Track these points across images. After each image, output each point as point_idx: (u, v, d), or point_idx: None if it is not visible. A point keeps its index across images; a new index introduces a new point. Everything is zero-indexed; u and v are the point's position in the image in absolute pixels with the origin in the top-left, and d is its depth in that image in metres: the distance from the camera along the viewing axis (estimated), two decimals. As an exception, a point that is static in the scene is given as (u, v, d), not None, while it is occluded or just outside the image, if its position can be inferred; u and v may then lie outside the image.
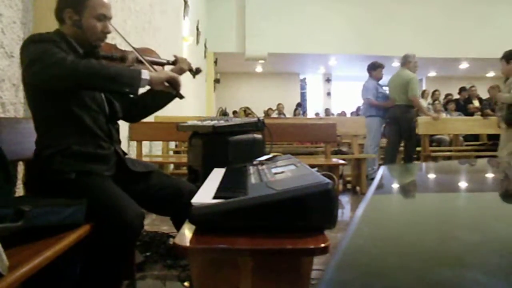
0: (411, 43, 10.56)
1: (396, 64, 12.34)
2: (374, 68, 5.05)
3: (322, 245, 0.78)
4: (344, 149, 6.11)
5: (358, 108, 10.93)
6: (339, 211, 3.18)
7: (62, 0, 1.52)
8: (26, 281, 0.95)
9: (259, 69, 13.98)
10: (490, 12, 10.83)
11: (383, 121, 4.88)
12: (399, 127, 4.56)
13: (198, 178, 1.65)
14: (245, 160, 1.39)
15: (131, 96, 1.73)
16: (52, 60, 1.31)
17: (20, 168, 1.74)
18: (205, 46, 9.69)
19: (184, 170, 4.08)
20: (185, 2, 6.36)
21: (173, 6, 5.38)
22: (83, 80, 1.35)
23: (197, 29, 8.05)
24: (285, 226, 0.84)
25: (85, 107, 1.49)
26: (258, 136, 1.71)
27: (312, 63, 13.34)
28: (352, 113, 13.20)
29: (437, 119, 4.68)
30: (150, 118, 4.15)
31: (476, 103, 6.37)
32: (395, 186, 0.92)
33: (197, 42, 8.11)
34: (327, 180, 0.86)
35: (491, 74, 13.54)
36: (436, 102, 6.72)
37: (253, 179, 1.05)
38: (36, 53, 1.34)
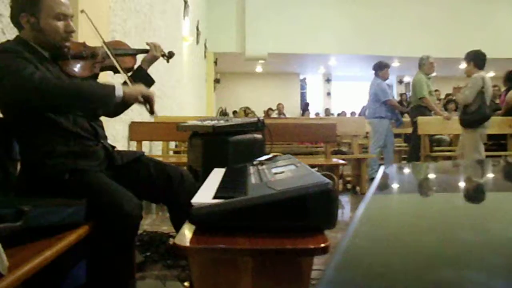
0: (411, 43, 10.58)
1: (396, 64, 12.37)
2: (381, 68, 5.04)
3: (322, 245, 0.78)
4: (344, 149, 6.11)
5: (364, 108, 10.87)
6: (339, 211, 3.18)
7: (15, 4, 1.45)
8: (26, 281, 0.95)
9: (259, 69, 13.99)
10: (490, 12, 10.84)
11: (391, 123, 4.87)
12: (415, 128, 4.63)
13: (198, 178, 1.65)
14: (245, 160, 1.39)
15: None
16: (19, 81, 1.27)
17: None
18: (205, 46, 9.69)
19: (184, 170, 4.07)
20: (185, 2, 6.36)
21: (173, 6, 5.39)
22: (56, 102, 1.34)
23: (197, 29, 8.05)
24: (285, 226, 0.84)
25: (62, 113, 1.45)
26: (258, 136, 1.71)
27: (312, 63, 13.35)
28: (352, 114, 13.20)
29: (449, 118, 4.69)
30: (150, 118, 4.15)
31: (476, 103, 6.36)
32: (395, 186, 0.92)
33: (197, 42, 8.11)
34: (327, 180, 0.86)
35: (491, 74, 13.54)
36: (437, 102, 6.71)
37: (253, 179, 1.05)
38: (0, 69, 1.30)
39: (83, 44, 1.65)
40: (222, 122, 1.68)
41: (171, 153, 4.97)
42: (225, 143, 1.60)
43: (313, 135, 4.13)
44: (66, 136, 1.45)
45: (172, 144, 5.17)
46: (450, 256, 0.38)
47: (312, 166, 1.32)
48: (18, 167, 1.72)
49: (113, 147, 1.64)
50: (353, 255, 0.39)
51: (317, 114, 13.77)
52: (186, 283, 1.83)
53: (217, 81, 11.83)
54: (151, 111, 1.55)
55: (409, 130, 5.30)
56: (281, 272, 0.84)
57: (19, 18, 1.43)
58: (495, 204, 0.68)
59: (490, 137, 5.86)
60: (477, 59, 3.88)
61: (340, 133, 4.82)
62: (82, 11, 1.69)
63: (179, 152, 5.11)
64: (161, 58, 1.85)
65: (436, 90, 7.33)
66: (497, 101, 6.15)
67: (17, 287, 0.93)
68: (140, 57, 1.83)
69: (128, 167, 1.60)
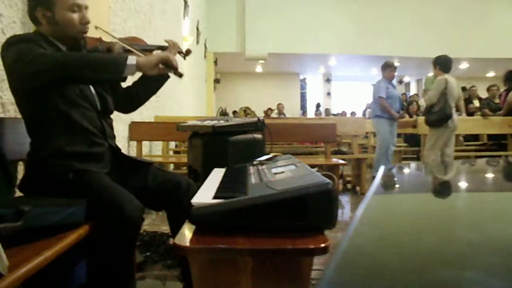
0: (411, 43, 10.59)
1: (397, 64, 12.35)
2: (384, 68, 5.06)
3: (322, 245, 0.78)
4: (344, 149, 6.12)
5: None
6: (339, 211, 3.18)
7: (31, 0, 1.47)
8: (26, 281, 0.95)
9: (259, 69, 13.99)
10: (490, 12, 10.84)
11: (391, 122, 4.86)
12: None
13: (198, 178, 1.65)
14: (245, 160, 1.39)
15: (123, 86, 1.72)
16: (30, 57, 1.28)
17: (20, 168, 1.74)
18: (205, 46, 9.69)
19: (184, 170, 4.08)
20: (185, 2, 6.36)
21: (173, 6, 5.38)
22: (66, 71, 1.31)
23: (197, 29, 8.04)
24: (285, 226, 0.84)
25: (73, 105, 1.45)
26: (258, 136, 1.71)
27: (312, 63, 13.35)
28: (352, 114, 13.21)
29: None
30: (150, 118, 4.15)
31: (476, 103, 6.37)
32: (395, 186, 0.92)
33: (197, 42, 8.11)
34: (327, 180, 0.86)
35: (491, 74, 13.54)
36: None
37: (253, 179, 1.05)
38: (13, 55, 1.31)
39: (99, 39, 1.65)
40: (222, 122, 1.68)
41: (171, 153, 4.97)
42: (225, 143, 1.60)
43: (313, 135, 4.13)
44: (73, 132, 1.45)
45: (172, 144, 5.17)
46: (450, 256, 0.38)
47: (312, 166, 1.32)
48: (18, 167, 1.72)
49: (119, 148, 1.64)
50: (353, 255, 0.39)
51: (318, 107, 13.83)
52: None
53: (217, 81, 11.83)
54: (177, 73, 1.51)
55: (409, 130, 5.31)
56: (281, 272, 0.84)
57: (35, 14, 1.45)
58: (495, 204, 0.68)
59: (490, 137, 5.88)
60: (442, 64, 4.22)
61: (340, 133, 4.82)
62: (96, 27, 1.69)
63: (179, 152, 5.11)
64: (195, 76, 1.87)
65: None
66: (497, 101, 6.15)
67: (17, 287, 0.93)
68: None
69: (134, 173, 1.60)
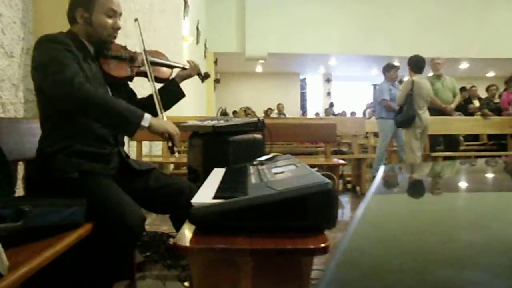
0: (411, 43, 10.57)
1: (397, 64, 12.35)
2: (388, 70, 5.10)
3: (322, 245, 0.78)
4: (344, 149, 6.12)
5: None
6: (339, 211, 3.18)
7: (73, 1, 1.55)
8: (26, 281, 0.95)
9: (259, 69, 13.99)
10: (490, 12, 10.84)
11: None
12: None
13: (198, 178, 1.65)
14: (245, 160, 1.39)
15: (136, 98, 1.78)
16: (64, 76, 1.34)
17: (20, 168, 1.74)
18: (205, 46, 9.69)
19: (184, 170, 4.08)
20: (185, 2, 6.36)
21: (173, 6, 5.38)
22: (87, 109, 1.38)
23: (197, 29, 8.05)
24: (285, 226, 0.84)
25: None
26: (258, 136, 1.70)
27: (312, 63, 13.35)
28: (352, 114, 13.22)
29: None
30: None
31: (476, 103, 6.37)
32: (395, 186, 0.92)
33: (197, 42, 8.11)
34: (327, 180, 0.86)
35: (491, 74, 13.54)
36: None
37: (253, 179, 1.05)
38: (49, 59, 1.37)
39: (124, 47, 1.71)
40: (222, 122, 1.68)
41: (171, 153, 4.96)
42: (225, 143, 1.60)
43: (313, 135, 4.13)
44: (87, 135, 1.48)
45: (172, 144, 5.16)
46: (450, 256, 0.38)
47: (312, 166, 1.32)
48: (18, 167, 1.72)
49: (127, 155, 1.66)
50: (353, 255, 0.38)
51: (317, 114, 13.81)
52: (186, 283, 1.83)
53: (217, 81, 11.83)
54: (172, 151, 1.57)
55: None
56: (281, 272, 0.84)
57: (75, 13, 1.53)
58: (495, 204, 0.68)
59: (490, 137, 5.88)
60: (413, 65, 4.33)
61: (340, 133, 4.82)
62: (136, 19, 1.77)
63: (179, 152, 5.10)
64: (196, 76, 1.92)
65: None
66: (496, 100, 6.16)
67: (17, 287, 0.93)
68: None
69: (137, 176, 1.62)
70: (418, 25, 10.63)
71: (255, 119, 1.75)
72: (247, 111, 9.02)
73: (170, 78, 1.84)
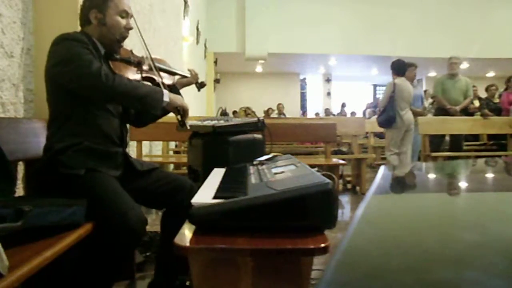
0: (411, 43, 10.59)
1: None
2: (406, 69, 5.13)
3: (322, 245, 0.78)
4: (344, 149, 6.12)
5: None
6: (339, 211, 3.18)
7: (87, 3, 1.59)
8: (26, 281, 0.95)
9: (259, 69, 13.99)
10: (490, 13, 10.84)
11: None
12: None
13: (198, 178, 1.65)
14: (245, 160, 1.39)
15: None
16: (88, 68, 1.39)
17: (20, 168, 1.74)
18: (205, 46, 9.69)
19: (184, 170, 4.08)
20: (185, 2, 6.36)
21: (173, 6, 5.38)
22: (115, 97, 1.44)
23: (197, 29, 8.04)
24: (285, 226, 0.84)
25: (102, 108, 1.55)
26: (258, 136, 1.70)
27: (312, 63, 13.35)
28: (352, 114, 13.22)
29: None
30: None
31: (476, 103, 6.37)
32: (395, 186, 0.92)
33: (197, 42, 8.11)
34: (327, 180, 0.86)
35: (491, 74, 13.54)
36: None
37: (253, 179, 1.05)
38: (70, 54, 1.42)
39: (131, 51, 1.75)
40: (222, 122, 1.68)
41: (171, 153, 4.97)
42: (225, 143, 1.60)
43: (313, 135, 4.13)
44: (96, 133, 1.52)
45: (172, 144, 5.17)
46: (450, 256, 0.38)
47: (312, 166, 1.32)
48: (18, 167, 1.72)
49: (130, 156, 1.69)
50: (353, 255, 0.39)
51: (317, 114, 13.81)
52: (186, 283, 1.83)
53: (217, 81, 11.83)
54: (183, 124, 1.64)
55: None
56: (281, 272, 0.84)
57: (89, 15, 1.57)
58: (495, 204, 0.68)
59: (490, 137, 5.87)
60: (395, 68, 4.60)
61: (340, 133, 4.82)
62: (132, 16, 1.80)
63: (179, 152, 5.11)
64: (193, 85, 1.97)
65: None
66: (496, 100, 6.15)
67: (17, 287, 0.93)
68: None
69: (142, 177, 1.64)
70: (418, 25, 10.63)
71: (255, 119, 1.75)
72: (247, 111, 9.03)
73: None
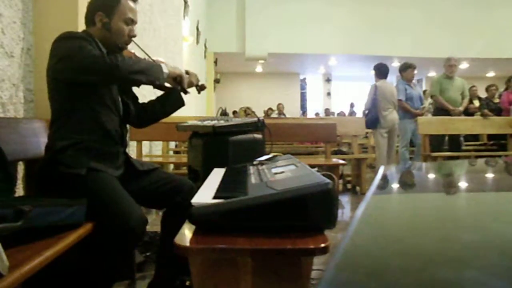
0: (411, 43, 10.59)
1: (397, 64, 12.35)
2: (404, 69, 5.12)
3: (322, 245, 0.78)
4: (344, 149, 6.12)
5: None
6: (339, 211, 3.18)
7: (94, 3, 1.60)
8: (26, 281, 0.95)
9: (259, 69, 13.99)
10: (491, 12, 10.84)
11: (413, 122, 4.91)
12: None
13: (198, 178, 1.65)
14: (245, 160, 1.39)
15: (141, 102, 1.81)
16: (91, 56, 1.39)
17: (20, 168, 1.74)
18: (205, 46, 9.69)
19: (184, 170, 4.08)
20: (185, 2, 6.35)
21: (173, 6, 5.38)
22: (123, 75, 1.43)
23: (197, 29, 8.04)
24: (285, 226, 0.84)
25: (104, 106, 1.55)
26: (258, 136, 1.70)
27: (312, 63, 13.35)
28: (352, 114, 13.21)
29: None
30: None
31: (476, 103, 6.36)
32: (395, 186, 0.92)
33: (197, 42, 8.11)
34: (327, 180, 0.86)
35: (491, 74, 13.53)
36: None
37: (253, 179, 1.05)
38: (73, 48, 1.42)
39: (134, 54, 1.76)
40: (222, 122, 1.68)
41: (171, 153, 4.96)
42: (225, 143, 1.60)
43: (313, 135, 4.13)
44: (97, 132, 1.52)
45: (172, 144, 5.17)
46: (450, 256, 0.38)
47: (312, 166, 1.32)
48: (18, 167, 1.72)
49: (130, 156, 1.69)
50: (353, 255, 0.39)
51: (317, 114, 13.81)
52: (187, 283, 1.83)
53: (217, 81, 11.82)
54: (184, 90, 1.70)
55: None
56: (281, 272, 0.84)
57: (94, 16, 1.57)
58: (495, 204, 0.68)
59: (490, 137, 5.87)
60: (378, 71, 4.90)
61: (340, 133, 4.82)
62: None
63: (179, 152, 5.11)
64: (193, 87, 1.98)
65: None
66: (496, 100, 6.15)
67: (17, 287, 0.93)
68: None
69: (142, 177, 1.65)
70: (418, 25, 10.63)
71: (255, 119, 1.75)
72: (247, 111, 9.03)
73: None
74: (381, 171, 0.93)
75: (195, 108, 7.72)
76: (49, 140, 1.53)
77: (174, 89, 1.79)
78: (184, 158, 3.65)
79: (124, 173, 1.59)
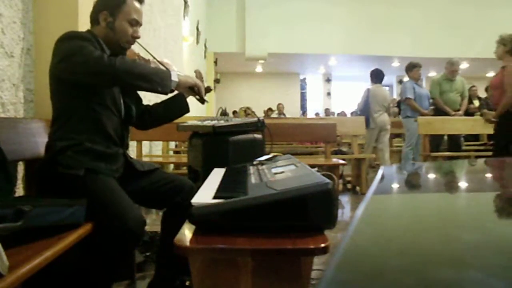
0: (411, 44, 10.58)
1: (396, 64, 12.37)
2: (410, 69, 5.12)
3: (322, 245, 0.78)
4: (344, 149, 6.11)
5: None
6: (339, 211, 3.18)
7: (100, 2, 1.59)
8: (26, 281, 0.95)
9: (259, 69, 13.99)
10: (491, 12, 10.83)
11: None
12: None
13: (198, 178, 1.65)
14: (245, 160, 1.39)
15: (145, 104, 1.82)
16: (91, 56, 1.38)
17: (20, 168, 1.74)
18: (205, 46, 9.69)
19: (184, 170, 4.08)
20: (185, 2, 6.35)
21: (173, 6, 5.38)
22: (119, 77, 1.42)
23: (197, 29, 8.04)
24: (285, 226, 0.84)
25: (105, 108, 1.54)
26: (258, 136, 1.70)
27: (312, 63, 13.35)
28: (353, 114, 13.20)
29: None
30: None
31: (476, 103, 6.36)
32: (395, 186, 0.92)
33: (197, 42, 8.11)
34: (327, 180, 0.86)
35: (491, 74, 13.52)
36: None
37: (253, 179, 1.05)
38: (74, 48, 1.41)
39: (138, 54, 1.76)
40: (222, 122, 1.68)
41: (171, 153, 4.96)
42: (225, 143, 1.60)
43: (313, 135, 4.13)
44: (97, 133, 1.52)
45: (172, 144, 5.17)
46: (450, 256, 0.38)
47: (312, 166, 1.32)
48: (18, 167, 1.72)
49: (131, 157, 1.69)
50: (353, 255, 0.39)
51: (317, 114, 13.80)
52: (186, 283, 1.83)
53: (217, 81, 11.82)
54: (202, 100, 1.68)
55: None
56: (281, 272, 0.84)
57: (98, 15, 1.57)
58: (495, 204, 0.68)
59: (490, 137, 5.86)
60: (374, 76, 5.29)
61: (340, 133, 4.82)
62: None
63: (179, 152, 5.10)
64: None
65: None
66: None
67: (17, 287, 0.93)
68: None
69: (142, 178, 1.64)
70: (418, 25, 10.62)
71: (255, 119, 1.75)
72: (247, 111, 9.03)
73: None
74: (381, 171, 0.93)
75: (195, 108, 7.72)
76: (49, 140, 1.53)
77: (180, 94, 1.78)
78: (184, 158, 3.65)
79: (125, 174, 1.59)
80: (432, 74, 13.86)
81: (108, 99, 1.55)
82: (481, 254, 0.38)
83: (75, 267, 1.40)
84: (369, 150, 5.20)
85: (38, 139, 1.70)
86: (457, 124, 4.88)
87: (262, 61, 11.67)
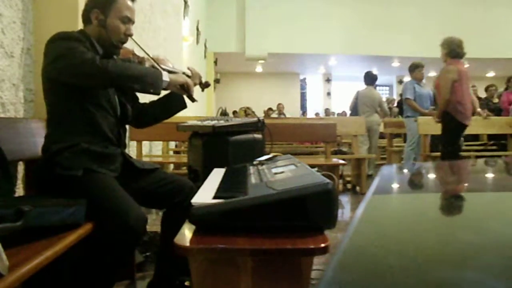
0: (410, 43, 10.58)
1: (396, 64, 12.37)
2: (413, 70, 5.13)
3: (322, 245, 0.78)
4: (344, 149, 6.11)
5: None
6: (339, 211, 3.18)
7: (91, 1, 1.58)
8: (26, 281, 0.95)
9: (259, 69, 13.98)
10: (490, 12, 10.83)
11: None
12: None
13: (198, 178, 1.65)
14: (245, 160, 1.39)
15: (141, 102, 1.80)
16: (82, 58, 1.37)
17: (20, 168, 1.74)
18: (205, 46, 9.68)
19: (184, 170, 4.08)
20: (185, 2, 6.35)
21: (173, 6, 5.38)
22: (111, 80, 1.41)
23: (197, 29, 8.04)
24: (285, 226, 0.84)
25: (99, 108, 1.53)
26: (258, 136, 1.70)
27: (312, 63, 13.34)
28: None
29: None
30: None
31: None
32: (395, 186, 0.92)
33: (197, 42, 8.11)
34: (327, 180, 0.86)
35: (491, 74, 13.53)
36: None
37: (253, 179, 1.05)
38: (64, 49, 1.40)
39: (132, 52, 1.75)
40: (222, 122, 1.68)
41: (171, 153, 4.96)
42: (225, 143, 1.60)
43: (313, 135, 4.13)
44: (93, 133, 1.51)
45: (172, 144, 5.17)
46: (450, 256, 0.38)
47: (312, 166, 1.32)
48: (18, 167, 1.72)
49: (130, 156, 1.69)
50: (353, 255, 0.39)
51: (317, 114, 13.79)
52: (186, 283, 1.83)
53: (217, 81, 11.82)
54: (191, 98, 1.68)
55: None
56: (281, 272, 0.84)
57: (90, 13, 1.56)
58: (495, 204, 0.68)
59: (490, 137, 5.87)
60: (366, 77, 5.64)
61: (340, 133, 4.82)
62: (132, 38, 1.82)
63: (179, 152, 5.10)
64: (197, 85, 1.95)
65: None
66: (496, 100, 6.15)
67: (17, 287, 0.93)
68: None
69: (142, 177, 1.64)
70: (418, 25, 10.62)
71: (255, 119, 1.75)
72: (247, 111, 9.03)
73: None
74: (381, 171, 0.93)
75: (195, 108, 7.72)
76: (45, 141, 1.53)
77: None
78: (184, 158, 3.65)
79: (124, 173, 1.58)
80: (432, 74, 13.85)
81: (103, 99, 1.54)
82: (481, 254, 0.38)
83: (75, 267, 1.40)
84: (363, 149, 5.33)
85: (38, 139, 1.70)
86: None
87: (262, 61, 11.67)
